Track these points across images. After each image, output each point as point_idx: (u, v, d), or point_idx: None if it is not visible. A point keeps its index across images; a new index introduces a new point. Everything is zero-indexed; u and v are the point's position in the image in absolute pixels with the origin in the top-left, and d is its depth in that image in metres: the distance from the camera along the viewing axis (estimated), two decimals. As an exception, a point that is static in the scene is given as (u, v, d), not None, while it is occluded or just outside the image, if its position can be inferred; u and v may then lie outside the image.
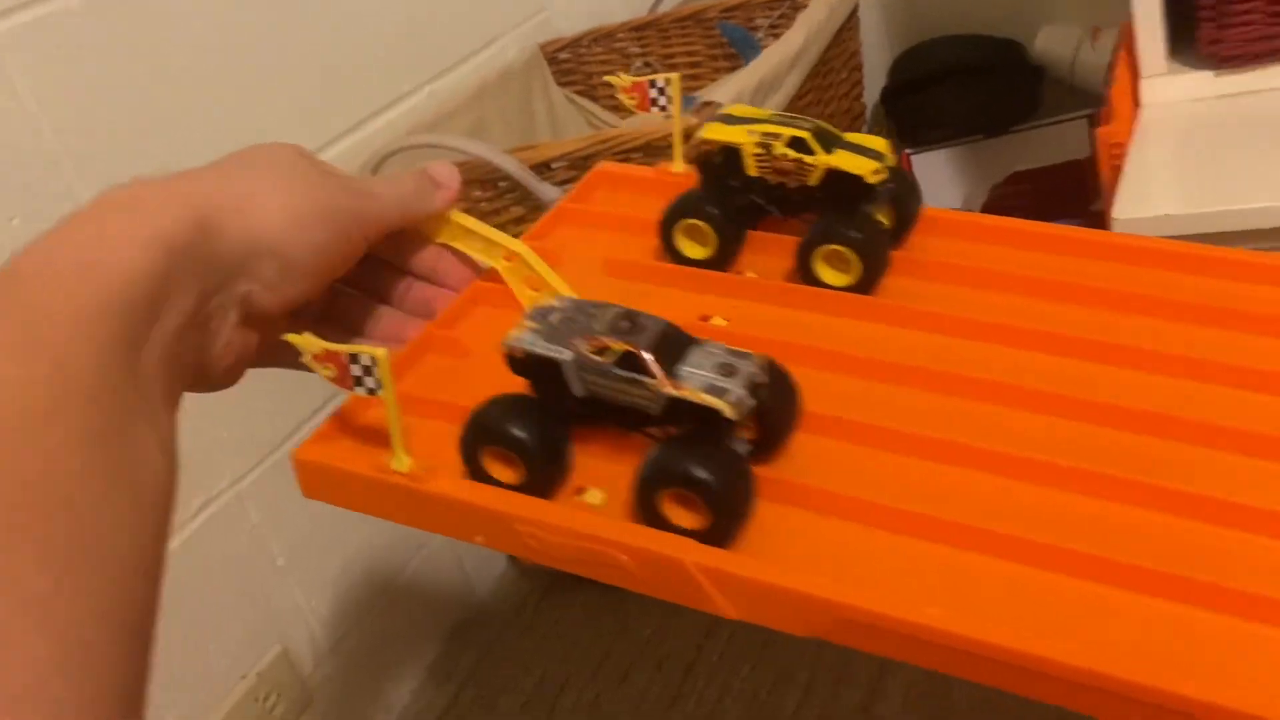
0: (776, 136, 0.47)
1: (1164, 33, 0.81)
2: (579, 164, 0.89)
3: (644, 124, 0.90)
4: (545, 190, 0.89)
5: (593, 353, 0.38)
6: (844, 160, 0.46)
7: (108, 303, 0.32)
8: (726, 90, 0.93)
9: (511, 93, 1.22)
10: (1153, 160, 0.78)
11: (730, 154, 0.49)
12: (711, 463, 0.36)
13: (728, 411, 0.36)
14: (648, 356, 0.37)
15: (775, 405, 0.39)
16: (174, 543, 0.90)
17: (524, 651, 1.20)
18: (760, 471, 0.38)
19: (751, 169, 0.48)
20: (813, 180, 0.47)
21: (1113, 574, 0.34)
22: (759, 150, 0.48)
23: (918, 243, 0.49)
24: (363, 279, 0.47)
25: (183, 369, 0.36)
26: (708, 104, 0.88)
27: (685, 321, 0.47)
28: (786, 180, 0.48)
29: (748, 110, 0.50)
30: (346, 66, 1.04)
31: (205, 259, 0.36)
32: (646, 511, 0.37)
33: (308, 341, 0.37)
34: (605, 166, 0.57)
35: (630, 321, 0.38)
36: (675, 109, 0.52)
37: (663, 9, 1.25)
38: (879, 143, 0.47)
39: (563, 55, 1.27)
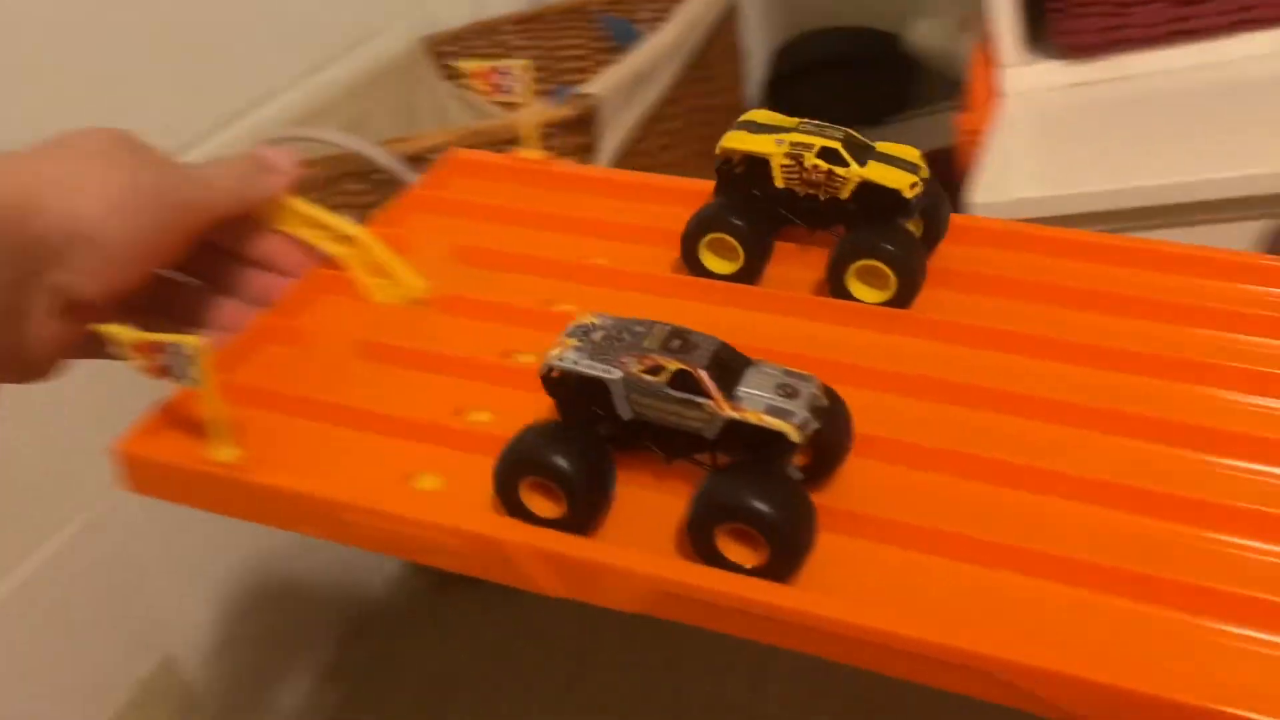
0: (808, 147, 0.45)
1: (1019, 24, 0.84)
2: (454, 156, 0.89)
3: (526, 115, 0.90)
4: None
5: (643, 372, 0.36)
6: (879, 173, 0.44)
7: None
8: (602, 82, 0.93)
9: (393, 86, 1.21)
10: (1009, 146, 0.80)
11: (754, 164, 0.46)
12: (773, 495, 0.33)
13: (793, 435, 0.34)
14: (704, 376, 0.35)
15: (833, 428, 0.36)
16: (47, 551, 0.89)
17: (419, 648, 1.19)
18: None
19: (779, 180, 0.46)
20: (845, 193, 0.45)
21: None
22: (788, 161, 0.45)
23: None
24: (200, 267, 0.46)
25: None
26: (580, 95, 0.88)
27: (530, 307, 0.47)
28: (817, 192, 0.46)
29: (771, 117, 0.47)
30: (219, 59, 1.02)
31: (17, 246, 0.35)
32: (699, 547, 0.34)
33: (118, 333, 0.36)
34: (458, 153, 0.56)
35: (682, 339, 0.36)
36: (524, 97, 0.52)
37: (546, 2, 1.25)
38: (911, 152, 0.45)
39: (446, 48, 1.26)
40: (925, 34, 1.30)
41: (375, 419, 0.41)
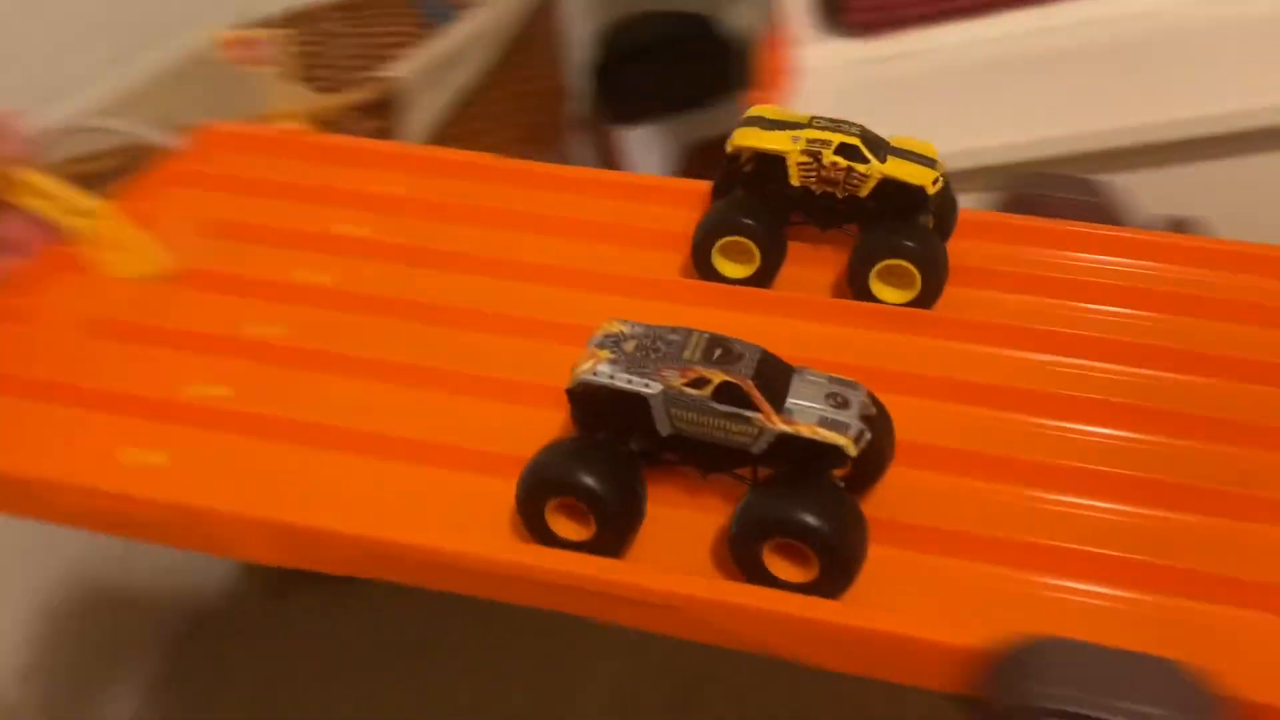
0: (826, 143, 0.43)
1: (809, 3, 0.86)
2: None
3: (328, 100, 0.89)
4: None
5: (686, 385, 0.33)
6: (901, 169, 0.43)
7: None
8: (409, 64, 0.92)
9: (207, 77, 1.17)
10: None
11: (767, 162, 0.44)
12: (824, 507, 0.32)
13: (850, 449, 0.33)
14: (753, 388, 0.33)
15: (879, 438, 0.35)
16: None
17: (254, 654, 1.16)
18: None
19: (794, 178, 0.44)
20: (864, 191, 0.43)
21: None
22: (805, 159, 0.43)
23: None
24: None
25: None
26: (378, 79, 0.87)
27: (283, 282, 0.46)
28: (835, 190, 0.44)
29: (781, 113, 0.45)
30: (13, 50, 0.97)
31: None
32: (744, 564, 0.33)
33: None
34: (216, 125, 0.55)
35: (723, 348, 0.34)
36: (283, 67, 0.51)
37: (365, -13, 1.23)
38: (927, 148, 0.44)
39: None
40: (741, 18, 1.32)
41: (97, 396, 0.40)
